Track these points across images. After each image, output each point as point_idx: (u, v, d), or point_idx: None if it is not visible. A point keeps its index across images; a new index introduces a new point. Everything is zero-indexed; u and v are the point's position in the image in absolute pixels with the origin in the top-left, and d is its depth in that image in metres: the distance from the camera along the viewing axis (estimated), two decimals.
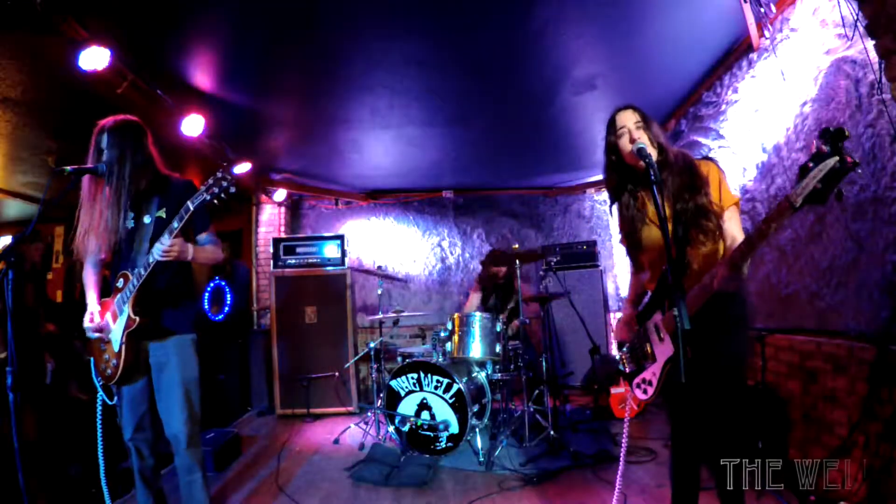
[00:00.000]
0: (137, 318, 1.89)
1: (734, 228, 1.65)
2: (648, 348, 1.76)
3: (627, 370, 1.87)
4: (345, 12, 2.48)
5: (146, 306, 1.93)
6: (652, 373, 1.72)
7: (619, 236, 1.95)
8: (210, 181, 1.77)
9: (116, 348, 1.92)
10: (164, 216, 1.97)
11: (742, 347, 1.72)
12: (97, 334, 1.97)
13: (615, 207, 1.89)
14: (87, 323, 1.99)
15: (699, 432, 1.76)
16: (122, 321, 1.92)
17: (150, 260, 1.85)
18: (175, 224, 1.82)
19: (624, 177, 1.80)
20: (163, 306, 2.00)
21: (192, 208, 1.79)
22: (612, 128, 1.77)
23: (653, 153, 1.66)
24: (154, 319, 1.97)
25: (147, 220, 1.98)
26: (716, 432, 1.67)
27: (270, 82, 3.21)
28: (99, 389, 2.03)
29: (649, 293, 1.90)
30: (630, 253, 1.94)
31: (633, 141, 1.68)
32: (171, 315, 2.02)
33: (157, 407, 2.00)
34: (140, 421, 2.02)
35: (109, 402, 2.02)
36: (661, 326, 1.69)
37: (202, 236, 2.08)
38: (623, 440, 1.94)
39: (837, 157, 1.13)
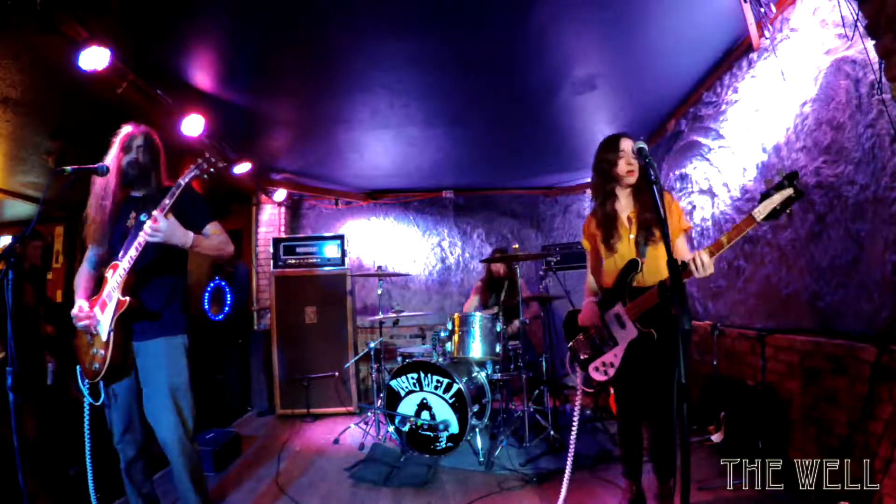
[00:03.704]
0: (128, 299, 1.87)
1: (683, 249, 2.05)
2: (608, 335, 2.04)
3: (583, 357, 2.15)
4: (345, 12, 2.48)
5: (136, 288, 1.94)
6: (613, 355, 2.02)
7: (587, 235, 2.29)
8: (199, 160, 1.89)
9: (105, 337, 1.88)
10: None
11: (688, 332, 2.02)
12: (85, 322, 1.92)
13: (592, 211, 2.24)
14: (74, 311, 1.95)
15: (643, 404, 2.13)
16: (111, 307, 1.88)
17: (140, 239, 1.82)
18: (166, 200, 1.83)
19: (608, 185, 2.15)
20: (151, 291, 1.99)
21: (182, 184, 1.83)
22: (613, 147, 2.10)
23: (633, 178, 2.07)
24: (143, 303, 1.96)
25: (143, 217, 1.96)
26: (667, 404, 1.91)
27: (270, 82, 3.21)
28: (84, 391, 1.98)
29: (601, 291, 2.21)
30: (593, 251, 2.26)
31: (629, 163, 2.06)
32: (157, 300, 2.00)
33: (145, 411, 1.96)
34: (129, 422, 1.99)
35: (95, 403, 1.97)
36: (623, 315, 1.99)
37: (207, 229, 2.07)
38: (574, 421, 2.23)
39: (793, 189, 1.59)
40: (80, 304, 1.98)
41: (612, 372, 2.01)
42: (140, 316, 1.96)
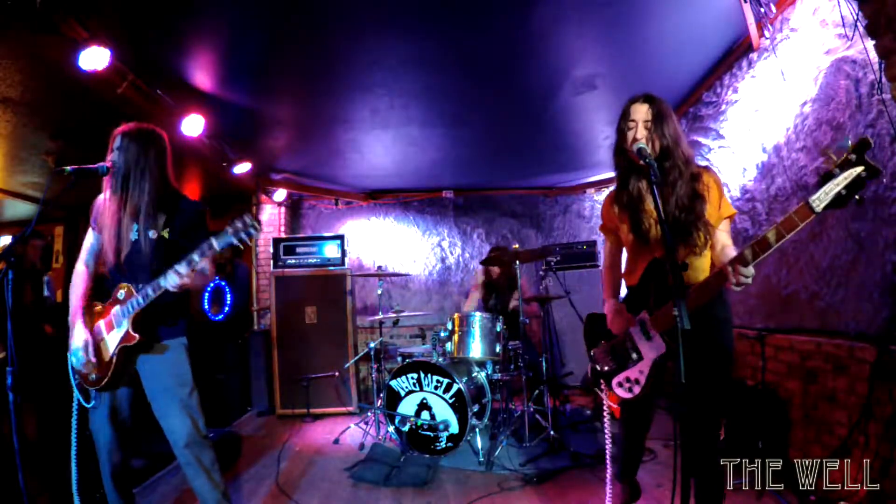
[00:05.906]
0: (137, 336, 1.85)
1: (725, 238, 1.71)
2: (631, 347, 1.77)
3: (605, 369, 1.87)
4: (345, 12, 2.48)
5: (146, 325, 1.90)
6: (639, 371, 1.74)
7: (603, 221, 2.00)
8: (238, 224, 1.68)
9: (107, 358, 1.89)
10: (166, 236, 1.94)
11: (730, 344, 1.76)
12: (86, 361, 1.90)
13: (612, 193, 1.90)
14: (80, 345, 1.88)
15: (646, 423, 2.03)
16: (118, 333, 1.88)
17: (163, 284, 1.79)
18: (196, 257, 1.75)
19: (628, 165, 1.79)
20: (160, 324, 1.97)
21: (217, 248, 1.72)
22: (625, 116, 1.75)
23: (654, 153, 1.67)
24: (151, 337, 1.94)
25: (152, 234, 1.93)
26: (706, 427, 1.68)
27: (270, 82, 3.21)
28: (75, 390, 1.97)
29: (624, 289, 1.93)
30: (615, 241, 2.00)
31: (635, 140, 1.68)
32: (165, 331, 1.99)
33: (155, 415, 1.96)
34: (116, 432, 1.98)
35: (87, 405, 1.97)
36: (648, 325, 1.70)
37: (203, 265, 2.02)
38: (607, 438, 2.07)
39: (864, 167, 1.22)
40: (85, 341, 1.90)
41: (637, 390, 1.75)
42: (148, 343, 1.93)
